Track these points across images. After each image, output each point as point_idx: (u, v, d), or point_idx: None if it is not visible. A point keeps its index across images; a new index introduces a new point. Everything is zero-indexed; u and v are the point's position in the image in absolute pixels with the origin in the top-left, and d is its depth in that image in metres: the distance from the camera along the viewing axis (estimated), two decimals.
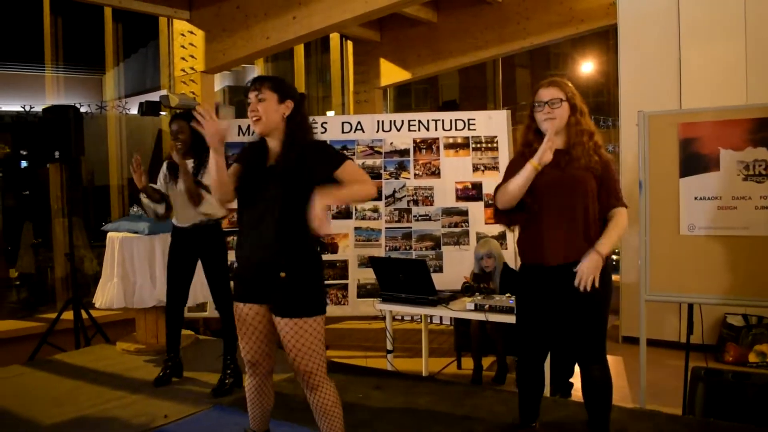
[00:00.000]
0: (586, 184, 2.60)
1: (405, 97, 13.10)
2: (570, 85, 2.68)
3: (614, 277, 6.55)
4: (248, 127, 5.74)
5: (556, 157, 2.61)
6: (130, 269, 4.53)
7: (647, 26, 5.51)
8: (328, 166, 2.40)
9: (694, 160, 3.58)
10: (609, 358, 4.69)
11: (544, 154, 2.52)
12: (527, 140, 2.75)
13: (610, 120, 11.76)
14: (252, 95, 2.43)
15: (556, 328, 2.77)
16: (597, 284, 2.55)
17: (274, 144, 2.47)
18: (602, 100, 14.00)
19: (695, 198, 3.58)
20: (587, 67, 13.66)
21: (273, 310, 2.43)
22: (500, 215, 2.80)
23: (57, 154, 4.99)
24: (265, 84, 2.44)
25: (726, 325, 5.04)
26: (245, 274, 2.50)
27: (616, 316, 6.00)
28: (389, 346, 4.32)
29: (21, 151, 5.41)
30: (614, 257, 7.94)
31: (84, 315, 5.07)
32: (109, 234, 4.69)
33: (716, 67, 5.15)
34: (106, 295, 4.56)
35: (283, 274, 2.37)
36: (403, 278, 4.05)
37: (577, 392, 4.34)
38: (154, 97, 6.36)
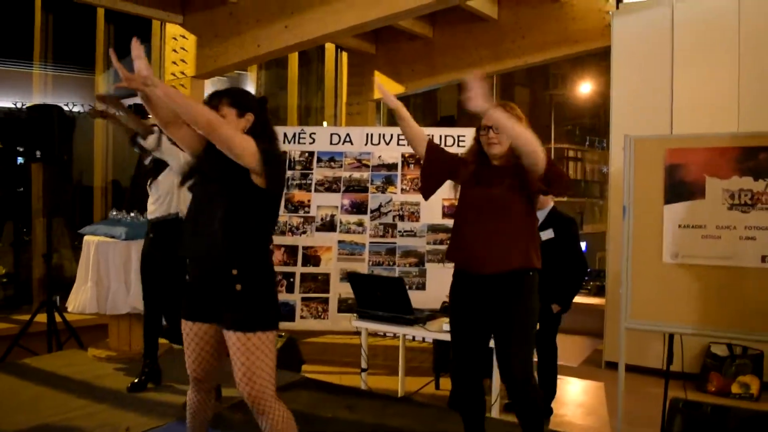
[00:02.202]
0: (514, 203, 2.65)
1: None
2: (516, 109, 2.70)
3: (599, 301, 6.52)
4: None
5: (490, 176, 2.68)
6: (104, 274, 4.45)
7: (641, 49, 5.47)
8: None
9: (679, 187, 3.52)
10: (591, 383, 4.64)
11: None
12: (467, 161, 2.82)
13: (605, 141, 11.75)
14: None
15: (486, 339, 2.79)
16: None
17: None
18: (598, 122, 14.01)
19: (679, 226, 3.51)
20: (585, 87, 13.67)
21: (223, 324, 2.34)
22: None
23: (38, 153, 4.92)
24: (222, 100, 2.38)
25: (710, 354, 4.97)
26: (195, 286, 2.41)
27: (599, 341, 5.93)
28: (363, 365, 4.23)
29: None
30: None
31: (59, 318, 4.99)
32: (86, 237, 4.61)
33: (708, 93, 5.11)
34: (79, 300, 4.48)
35: (239, 287, 2.30)
36: (381, 296, 3.97)
37: (557, 417, 4.27)
38: None
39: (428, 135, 2.97)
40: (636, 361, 5.06)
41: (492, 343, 2.80)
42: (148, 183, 3.89)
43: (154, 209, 3.85)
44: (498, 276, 2.63)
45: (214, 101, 2.37)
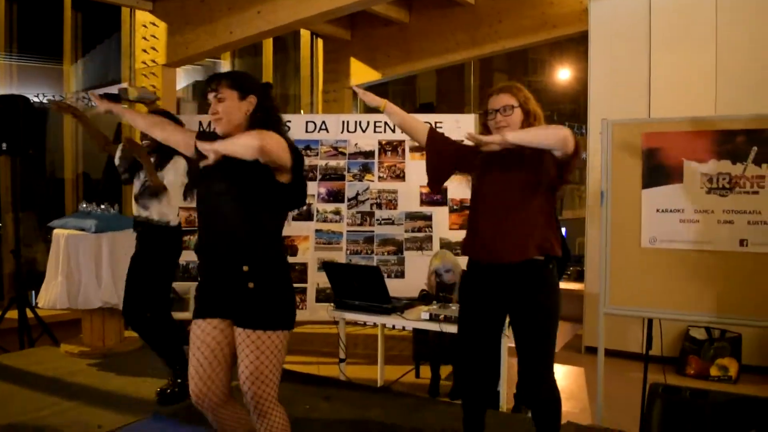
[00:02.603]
0: (535, 188, 2.51)
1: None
2: (523, 90, 2.58)
3: (578, 286, 6.52)
4: (209, 123, 5.56)
5: (507, 160, 2.53)
6: (75, 268, 4.35)
7: (618, 34, 5.44)
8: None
9: (657, 171, 3.49)
10: (571, 368, 4.64)
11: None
12: (479, 149, 2.63)
13: (584, 127, 11.77)
14: (210, 96, 2.27)
15: (497, 334, 2.67)
16: (481, 142, 2.36)
17: None
18: (577, 108, 14.02)
19: (657, 210, 3.49)
20: (564, 73, 13.65)
21: (235, 321, 2.24)
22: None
23: (4, 146, 4.78)
24: (222, 82, 2.27)
25: (688, 338, 4.98)
26: (207, 285, 2.31)
27: (580, 325, 5.93)
28: (342, 355, 4.18)
29: None
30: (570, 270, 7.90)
31: (31, 314, 4.87)
32: (55, 231, 4.50)
33: (686, 78, 5.09)
34: (50, 295, 4.38)
35: (251, 285, 2.20)
36: (357, 285, 3.91)
37: None
38: (114, 89, 6.15)
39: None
40: (615, 345, 5.06)
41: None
42: (139, 191, 3.75)
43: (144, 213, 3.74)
44: (517, 265, 2.49)
45: (214, 84, 2.27)
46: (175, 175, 3.65)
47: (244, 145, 2.07)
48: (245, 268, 2.20)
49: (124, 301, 3.72)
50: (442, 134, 2.80)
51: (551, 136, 2.38)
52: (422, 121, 2.86)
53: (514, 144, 2.35)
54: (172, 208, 3.73)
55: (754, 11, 4.87)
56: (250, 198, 2.21)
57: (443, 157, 2.75)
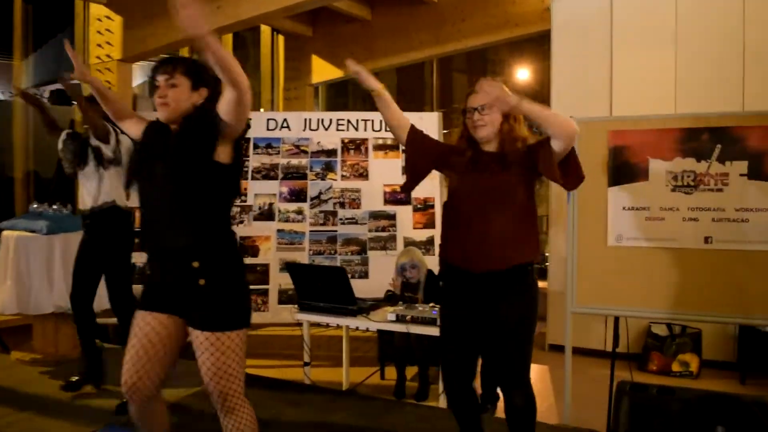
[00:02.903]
0: (518, 191, 2.44)
1: (341, 96, 12.87)
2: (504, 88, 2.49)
3: (541, 284, 6.55)
4: None
5: (488, 162, 2.46)
6: (25, 271, 4.17)
7: (580, 33, 5.46)
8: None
9: (623, 169, 3.49)
10: (536, 366, 4.62)
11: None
12: (459, 149, 2.58)
13: None
14: (161, 78, 2.14)
15: (480, 340, 2.57)
16: (494, 96, 2.32)
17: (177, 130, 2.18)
18: None
19: (623, 208, 3.49)
20: (523, 73, 13.76)
21: (189, 323, 2.14)
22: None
23: None
24: (178, 68, 2.15)
25: (651, 334, 5.03)
26: (155, 280, 2.20)
27: (543, 323, 5.94)
28: (306, 358, 4.09)
29: None
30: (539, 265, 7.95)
31: None
32: (4, 233, 4.31)
33: (647, 76, 5.13)
34: None
35: (202, 282, 2.09)
36: (322, 286, 3.82)
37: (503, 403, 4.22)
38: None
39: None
40: (578, 343, 5.06)
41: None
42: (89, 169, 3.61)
43: (88, 200, 3.61)
44: (501, 272, 2.41)
45: (168, 68, 2.15)
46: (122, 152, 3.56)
47: (238, 70, 1.98)
48: (195, 264, 2.10)
49: (74, 287, 3.59)
50: (422, 132, 2.69)
51: (564, 125, 2.34)
52: (406, 117, 2.72)
53: (525, 111, 2.32)
54: (118, 189, 3.62)
55: (712, 10, 4.93)
56: (189, 178, 2.10)
57: (423, 156, 2.65)
